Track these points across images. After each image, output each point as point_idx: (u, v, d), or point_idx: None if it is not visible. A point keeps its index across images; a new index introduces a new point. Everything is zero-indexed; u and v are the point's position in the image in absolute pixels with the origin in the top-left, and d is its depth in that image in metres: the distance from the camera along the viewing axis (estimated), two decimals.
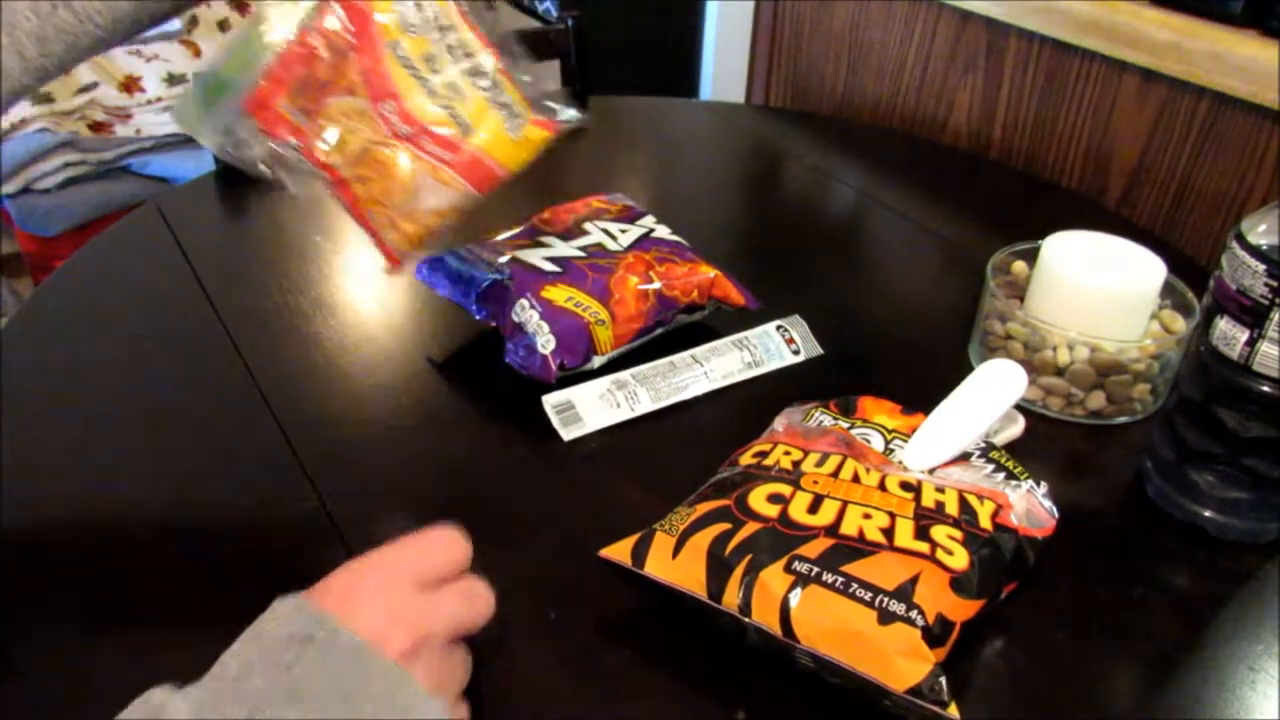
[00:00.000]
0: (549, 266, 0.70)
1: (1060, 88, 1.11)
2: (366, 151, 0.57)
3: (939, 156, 1.18)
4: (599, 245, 0.73)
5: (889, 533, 0.49)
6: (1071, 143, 1.12)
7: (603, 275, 0.69)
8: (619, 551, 0.50)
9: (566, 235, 0.74)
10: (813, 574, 0.46)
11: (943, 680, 0.43)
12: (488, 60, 0.60)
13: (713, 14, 1.67)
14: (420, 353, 0.73)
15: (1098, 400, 0.67)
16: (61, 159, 1.87)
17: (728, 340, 0.72)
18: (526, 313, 0.66)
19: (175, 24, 2.19)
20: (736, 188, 1.08)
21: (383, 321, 0.77)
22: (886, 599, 0.45)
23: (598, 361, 0.68)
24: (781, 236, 0.95)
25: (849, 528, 0.49)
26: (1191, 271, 0.75)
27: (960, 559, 0.47)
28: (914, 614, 0.44)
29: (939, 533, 0.49)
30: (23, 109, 1.88)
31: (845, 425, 0.59)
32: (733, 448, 0.58)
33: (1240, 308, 0.53)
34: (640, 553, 0.50)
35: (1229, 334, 0.54)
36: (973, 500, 0.52)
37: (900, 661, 0.43)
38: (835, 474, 0.53)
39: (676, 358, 0.69)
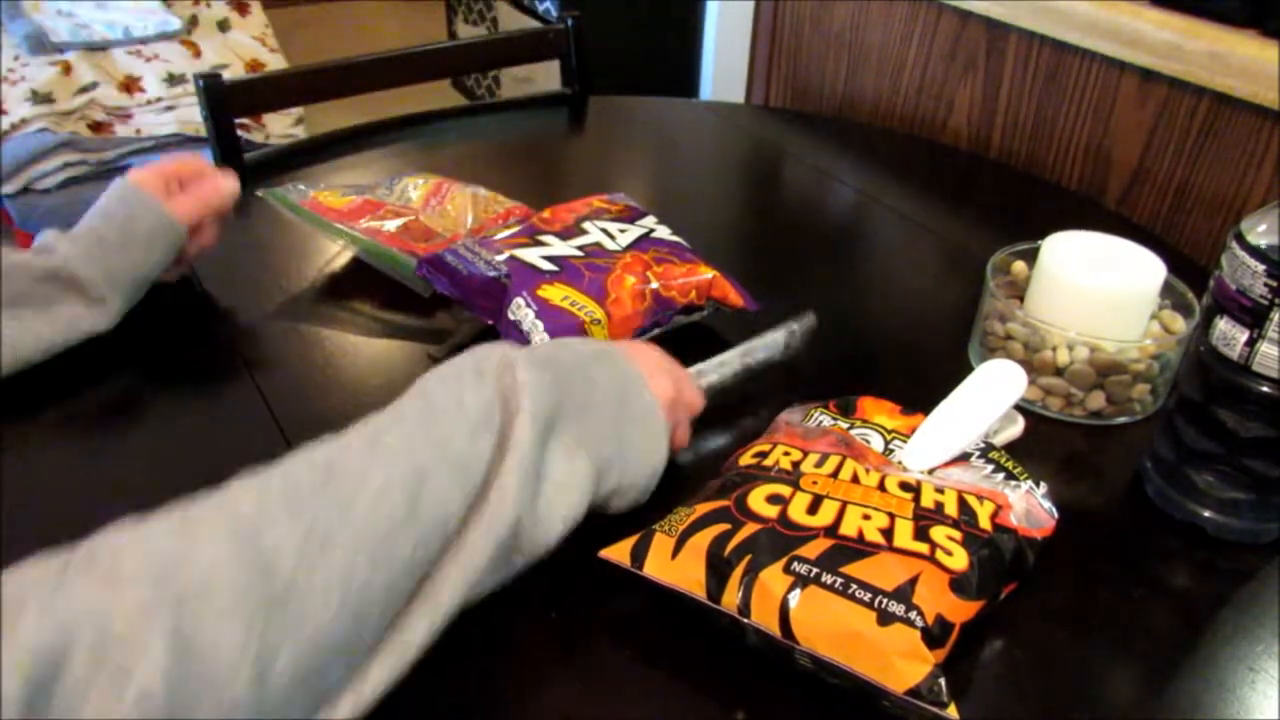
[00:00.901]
0: (546, 265, 0.70)
1: (1060, 88, 1.11)
2: None
3: (939, 156, 1.18)
4: (597, 245, 0.73)
5: (888, 533, 0.49)
6: (1071, 143, 1.12)
7: (600, 275, 0.69)
8: (618, 552, 0.50)
9: (565, 234, 0.74)
10: (812, 575, 0.46)
11: (942, 681, 0.43)
12: None
13: (713, 14, 1.67)
14: (420, 351, 0.73)
15: (1097, 400, 0.67)
16: (61, 159, 1.87)
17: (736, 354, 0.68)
18: (522, 311, 0.66)
19: (175, 24, 2.19)
20: (736, 188, 1.08)
21: (384, 321, 0.77)
22: (886, 600, 0.45)
23: None
24: (781, 236, 0.95)
25: (848, 528, 0.49)
26: (1191, 271, 0.75)
27: (960, 560, 0.47)
28: (913, 615, 0.44)
29: (938, 533, 0.49)
30: (23, 109, 1.88)
31: (845, 425, 0.59)
32: (732, 448, 0.58)
33: (1240, 308, 0.53)
34: (640, 553, 0.50)
35: (1229, 334, 0.54)
36: (972, 501, 0.52)
37: (900, 662, 0.43)
38: (835, 474, 0.53)
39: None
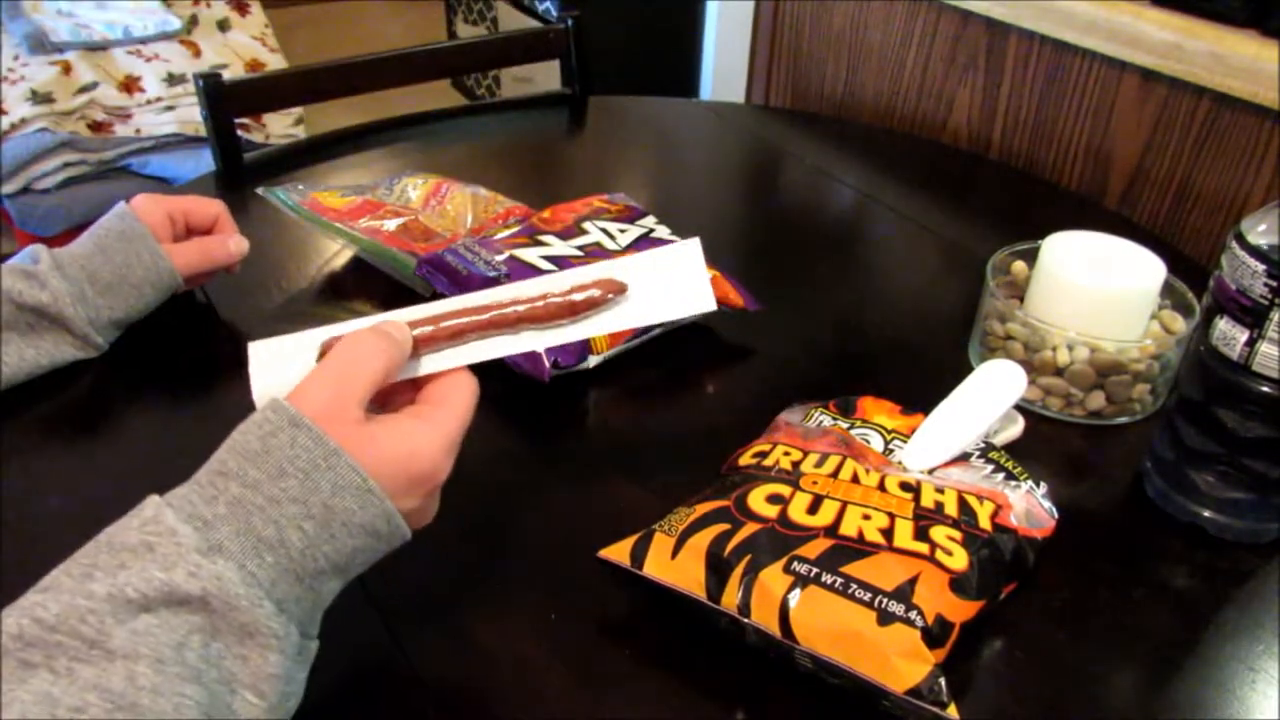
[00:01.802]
0: (546, 265, 0.70)
1: (1060, 88, 1.11)
2: None
3: (939, 156, 1.18)
4: (597, 245, 0.73)
5: (888, 533, 0.49)
6: (1071, 143, 1.12)
7: None
8: (618, 552, 0.50)
9: (565, 234, 0.74)
10: (812, 575, 0.46)
11: (942, 681, 0.43)
12: None
13: (713, 14, 1.67)
14: None
15: (1097, 400, 0.67)
16: (61, 159, 1.87)
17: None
18: None
19: (175, 24, 2.19)
20: (736, 188, 1.08)
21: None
22: (886, 600, 0.45)
23: (593, 361, 0.68)
24: (781, 236, 0.95)
25: (848, 528, 0.49)
26: (1191, 271, 0.75)
27: (960, 560, 0.47)
28: (913, 615, 0.44)
29: (938, 533, 0.49)
30: (23, 109, 1.88)
31: (845, 425, 0.59)
32: (732, 448, 0.58)
33: (1240, 308, 0.53)
34: (639, 553, 0.50)
35: (1229, 334, 0.54)
36: (972, 501, 0.52)
37: (900, 662, 0.43)
38: (835, 474, 0.53)
39: None
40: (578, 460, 0.64)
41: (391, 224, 0.80)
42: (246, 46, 2.28)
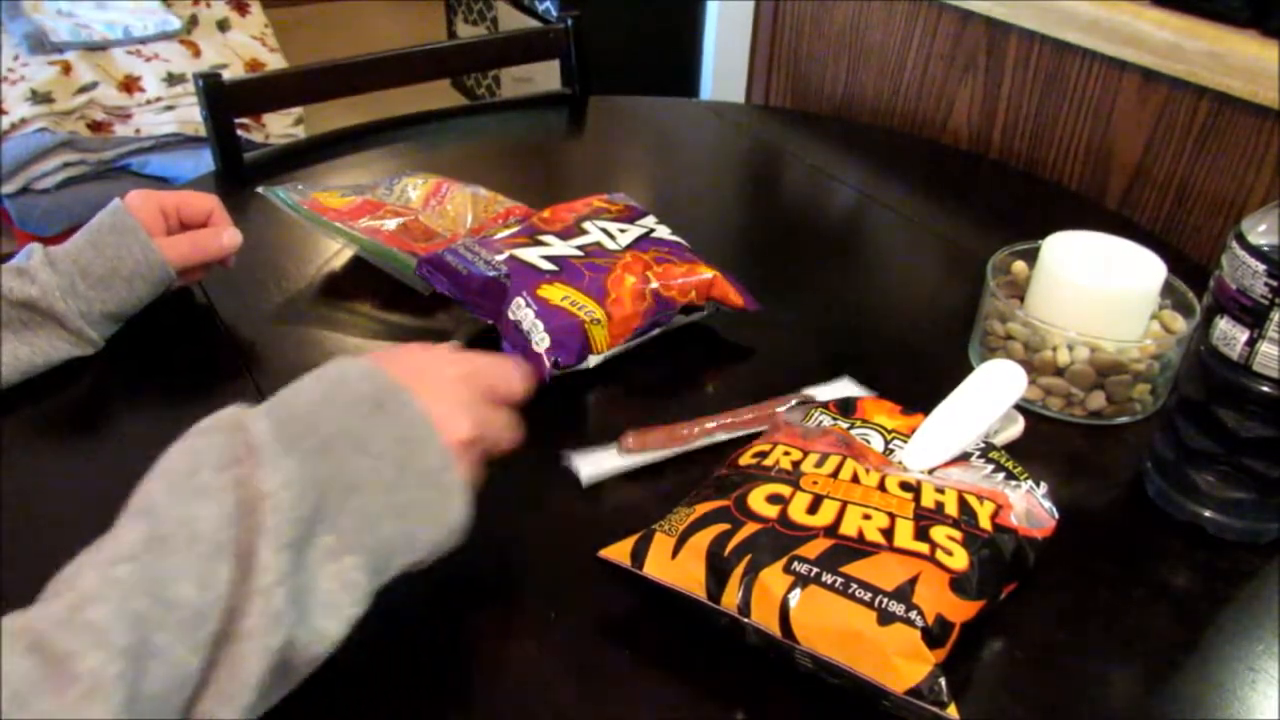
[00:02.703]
0: (546, 265, 0.70)
1: (1060, 88, 1.11)
2: None
3: (939, 156, 1.18)
4: (597, 245, 0.73)
5: (888, 533, 0.48)
6: (1071, 143, 1.12)
7: (599, 274, 0.69)
8: (618, 552, 0.50)
9: (565, 234, 0.74)
10: (812, 574, 0.46)
11: (942, 681, 0.43)
12: None
13: (713, 14, 1.67)
14: None
15: (1098, 400, 0.67)
16: (61, 159, 1.87)
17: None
18: (522, 311, 0.66)
19: (175, 24, 2.19)
20: (736, 188, 1.08)
21: (384, 321, 0.77)
22: (886, 599, 0.45)
23: (593, 361, 0.68)
24: (781, 236, 0.95)
25: (848, 528, 0.49)
26: (1192, 271, 0.75)
27: (960, 559, 0.47)
28: (913, 614, 0.44)
29: (939, 533, 0.49)
30: (23, 109, 1.88)
31: (845, 425, 0.59)
32: (732, 448, 0.58)
33: (1240, 308, 0.53)
34: (640, 553, 0.50)
35: (1229, 334, 0.54)
36: (972, 501, 0.52)
37: (900, 662, 0.43)
38: (835, 474, 0.53)
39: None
40: None
41: (391, 224, 0.80)
42: (246, 46, 2.28)
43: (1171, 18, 0.96)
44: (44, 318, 0.64)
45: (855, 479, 0.53)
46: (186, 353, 0.73)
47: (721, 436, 0.63)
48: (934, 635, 0.44)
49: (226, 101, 0.99)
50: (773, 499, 0.51)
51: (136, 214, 0.68)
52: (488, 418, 0.47)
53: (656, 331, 0.72)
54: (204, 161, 1.56)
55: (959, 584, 0.46)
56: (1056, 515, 0.54)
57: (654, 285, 0.70)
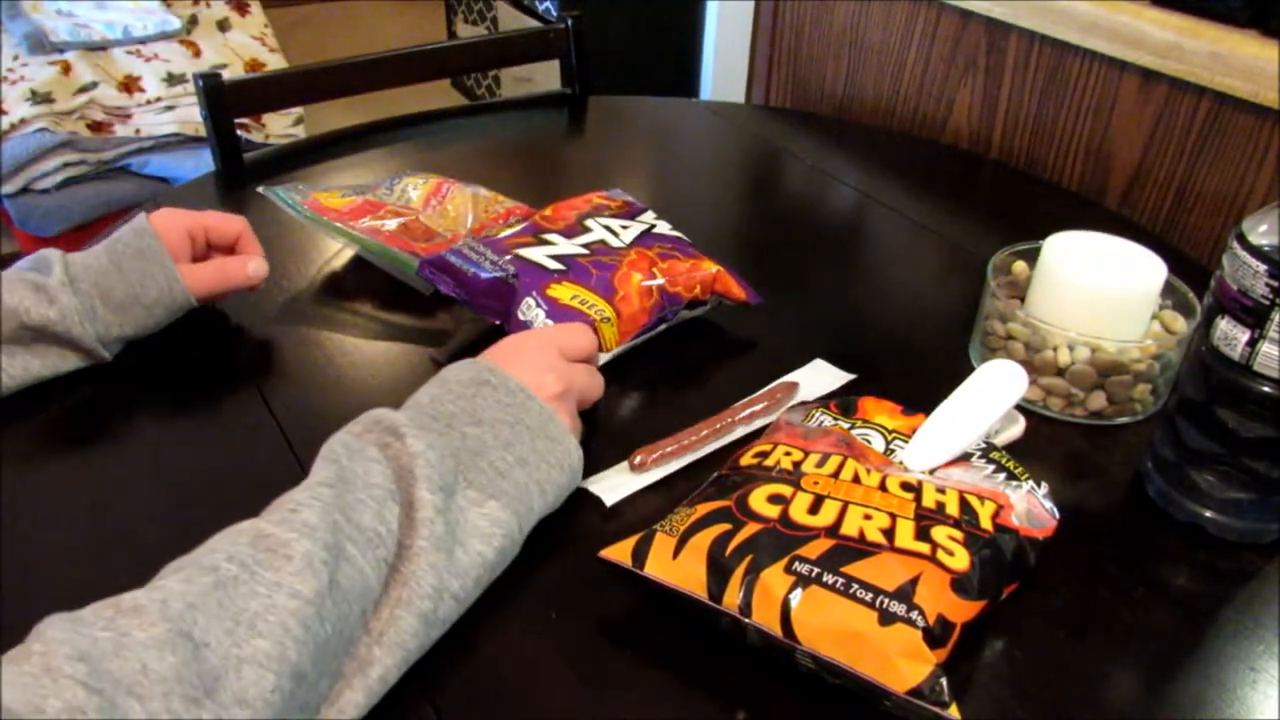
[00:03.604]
0: (553, 264, 0.70)
1: (1060, 88, 1.11)
2: None
3: (939, 156, 1.18)
4: (601, 242, 0.73)
5: (889, 533, 0.49)
6: (1071, 143, 1.12)
7: (607, 272, 0.69)
8: (619, 552, 0.50)
9: (569, 232, 0.74)
10: (813, 575, 0.46)
11: (943, 681, 0.43)
12: None
13: (713, 14, 1.67)
14: (422, 352, 0.73)
15: (1098, 401, 0.67)
16: (61, 159, 1.87)
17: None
18: (533, 311, 0.66)
19: (175, 24, 2.19)
20: (736, 188, 1.08)
21: (384, 321, 0.77)
22: (887, 600, 0.45)
23: (603, 358, 0.68)
24: (781, 236, 0.95)
25: (849, 528, 0.49)
26: (1192, 271, 0.75)
27: (961, 560, 0.47)
28: (915, 615, 0.44)
29: (940, 533, 0.49)
30: (23, 109, 1.88)
31: (846, 426, 0.59)
32: (734, 447, 0.58)
33: (1241, 308, 0.53)
34: (641, 553, 0.50)
35: (1230, 334, 0.54)
36: (973, 501, 0.52)
37: (901, 662, 0.43)
38: (836, 475, 0.53)
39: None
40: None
41: (392, 224, 0.80)
42: (246, 46, 2.28)
43: (1171, 18, 0.96)
44: (58, 339, 0.63)
45: (856, 479, 0.53)
46: (190, 353, 0.72)
47: (730, 436, 0.63)
48: (935, 635, 0.44)
49: (226, 101, 0.99)
50: (774, 499, 0.51)
51: (164, 237, 0.67)
52: (570, 374, 0.58)
53: (662, 327, 0.72)
54: (204, 161, 1.56)
55: (960, 584, 0.46)
56: (1057, 515, 0.54)
57: (660, 281, 0.70)
